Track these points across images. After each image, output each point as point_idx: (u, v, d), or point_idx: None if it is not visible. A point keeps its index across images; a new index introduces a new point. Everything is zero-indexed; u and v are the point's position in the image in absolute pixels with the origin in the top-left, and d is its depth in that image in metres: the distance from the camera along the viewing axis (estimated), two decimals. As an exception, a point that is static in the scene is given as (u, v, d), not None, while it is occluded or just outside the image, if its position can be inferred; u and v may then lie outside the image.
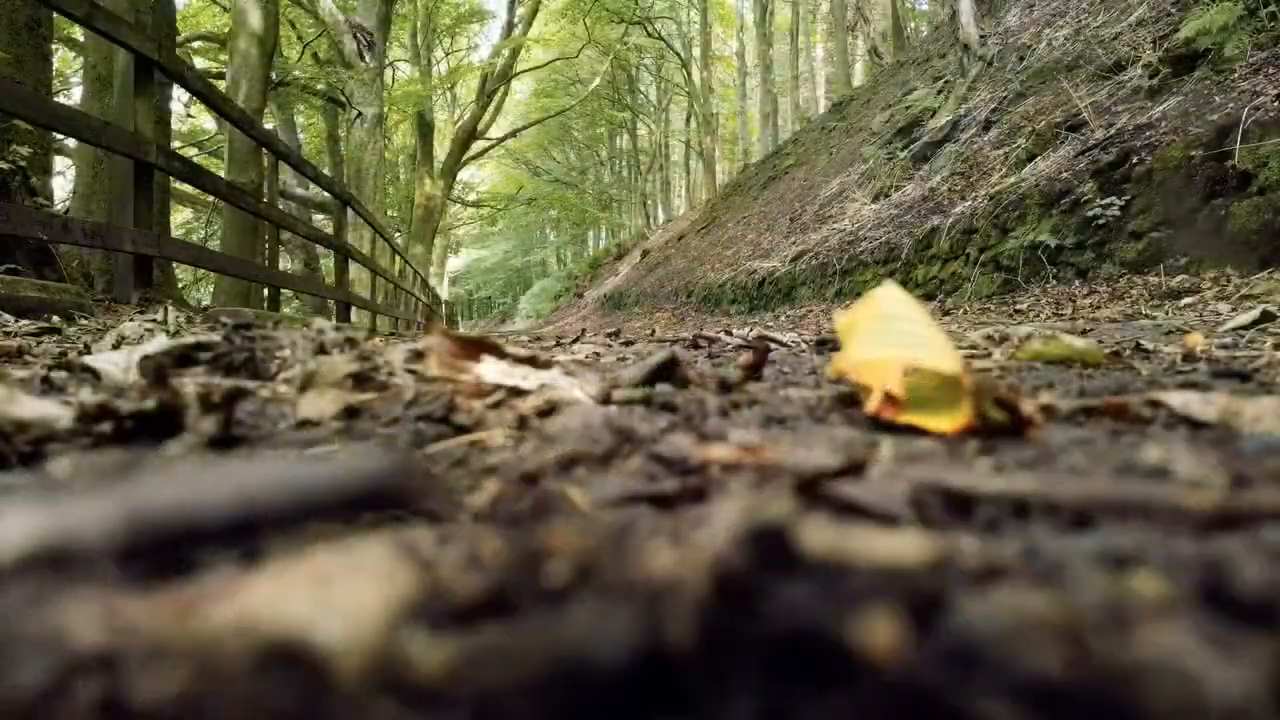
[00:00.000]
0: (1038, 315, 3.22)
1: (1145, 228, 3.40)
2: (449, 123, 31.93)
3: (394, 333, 10.80)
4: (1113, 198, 3.66)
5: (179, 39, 12.83)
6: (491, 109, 25.23)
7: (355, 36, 13.13)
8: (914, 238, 6.07)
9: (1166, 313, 2.19)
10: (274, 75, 12.83)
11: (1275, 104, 2.99)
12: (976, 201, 6.01)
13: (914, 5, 39.26)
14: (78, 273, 4.64)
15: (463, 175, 34.38)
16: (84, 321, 1.78)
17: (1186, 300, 2.56)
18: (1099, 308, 2.92)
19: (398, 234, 31.22)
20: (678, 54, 37.05)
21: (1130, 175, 3.65)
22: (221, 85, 17.05)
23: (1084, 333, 1.86)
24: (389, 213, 25.87)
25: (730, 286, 10.80)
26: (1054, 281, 3.97)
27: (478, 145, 26.67)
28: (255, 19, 9.46)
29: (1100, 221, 3.63)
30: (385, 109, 14.66)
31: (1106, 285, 3.37)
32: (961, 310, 4.04)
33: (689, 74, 37.58)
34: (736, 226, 16.41)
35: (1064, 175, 4.29)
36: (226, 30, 19.37)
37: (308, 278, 5.66)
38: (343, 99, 13.84)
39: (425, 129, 24.78)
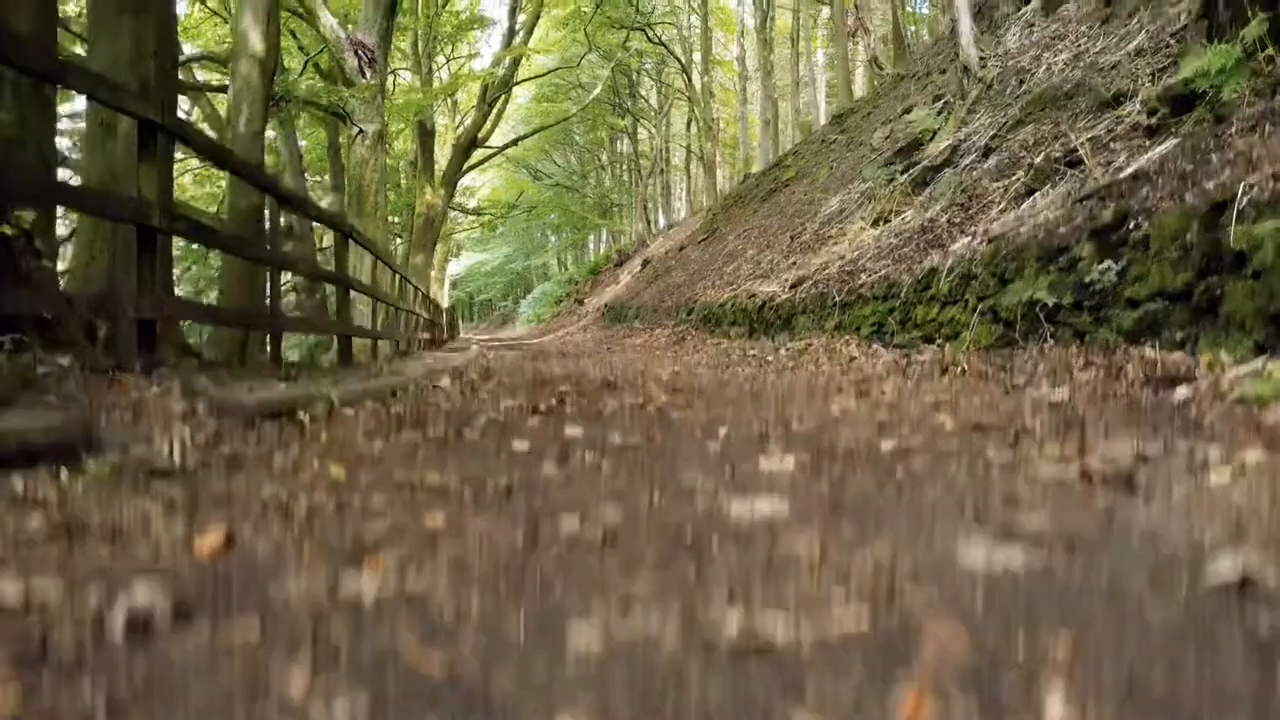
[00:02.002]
0: (1034, 385, 3.24)
1: (1142, 296, 3.42)
2: (449, 128, 31.93)
3: (398, 350, 10.84)
4: (1109, 261, 3.68)
5: (181, 59, 12.86)
6: (492, 117, 25.27)
7: (356, 53, 13.15)
8: (913, 275, 6.09)
9: (1168, 428, 2.20)
10: (275, 90, 12.82)
11: (1270, 183, 3.01)
12: (976, 241, 6.03)
13: (915, 8, 39.29)
14: (83, 324, 4.67)
15: (463, 180, 34.40)
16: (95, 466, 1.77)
17: (1182, 393, 2.59)
18: (1095, 388, 2.95)
19: (398, 239, 31.27)
20: (678, 59, 37.09)
21: (1127, 239, 3.67)
22: (222, 96, 16.97)
23: (1082, 452, 1.89)
24: (391, 218, 25.91)
25: (730, 308, 10.82)
26: (1051, 341, 3.99)
27: (479, 154, 26.69)
28: (256, 42, 9.49)
29: (1098, 286, 3.65)
30: (386, 124, 14.68)
31: (1103, 355, 3.38)
32: (959, 368, 4.06)
33: (689, 79, 37.61)
34: (737, 240, 16.43)
35: (1061, 230, 4.31)
36: (227, 42, 19.38)
37: (309, 319, 5.69)
38: (344, 113, 13.87)
39: (426, 137, 24.81)
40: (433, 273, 29.95)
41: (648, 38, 34.98)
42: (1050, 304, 4.04)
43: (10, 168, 2.80)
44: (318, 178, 27.16)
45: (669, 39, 38.21)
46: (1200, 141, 4.59)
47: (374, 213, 13.51)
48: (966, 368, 4.05)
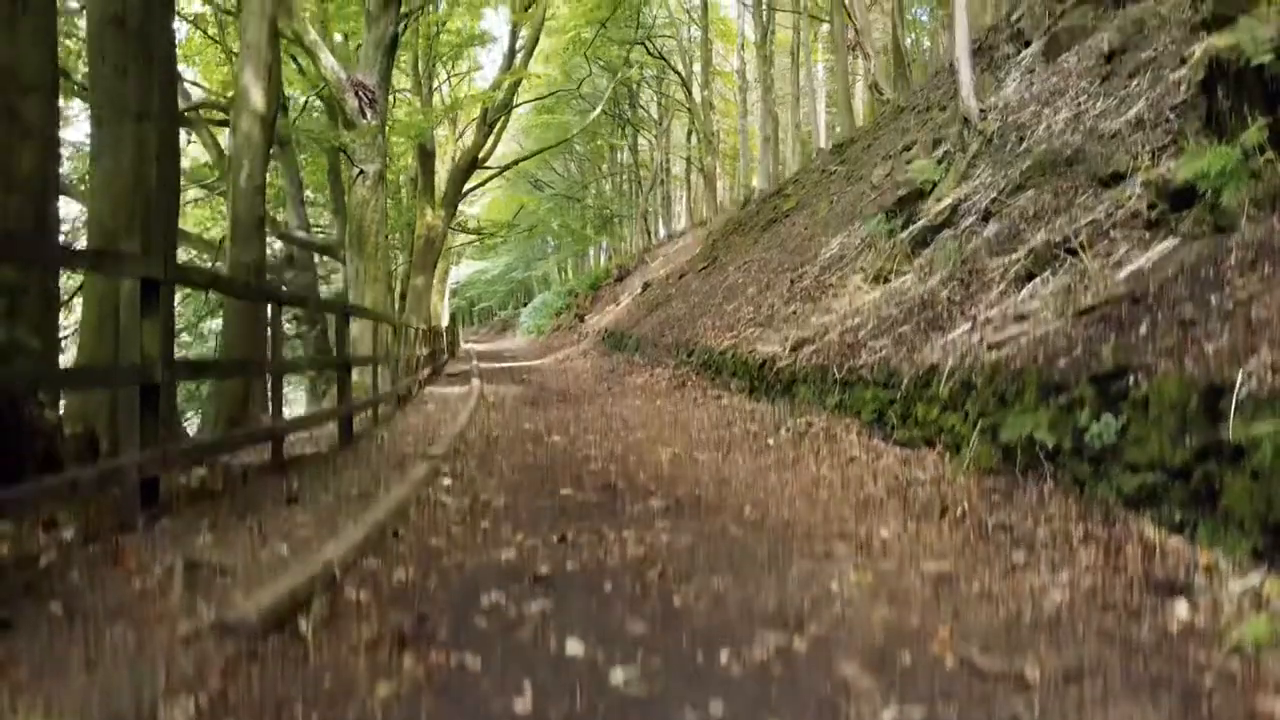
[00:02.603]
0: (1034, 564, 3.25)
1: (1142, 463, 3.42)
2: (450, 138, 31.87)
3: (399, 403, 10.84)
4: (1109, 416, 3.68)
5: (184, 109, 12.85)
6: (492, 138, 25.26)
7: (357, 94, 13.15)
8: (914, 366, 6.09)
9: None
10: (277, 132, 12.79)
11: (1269, 375, 3.01)
12: (975, 334, 6.04)
13: (914, 15, 39.25)
14: (84, 443, 4.66)
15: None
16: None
17: (1181, 614, 2.60)
18: (1095, 582, 2.96)
19: (399, 252, 31.19)
20: (678, 72, 37.07)
21: (1127, 393, 3.67)
22: (223, 130, 16.89)
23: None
24: (391, 236, 25.92)
25: (731, 358, 10.83)
26: (1052, 483, 4.00)
27: (479, 174, 26.67)
28: (258, 98, 9.49)
29: (1098, 444, 3.66)
30: (387, 164, 14.69)
31: (1103, 526, 3.39)
32: (958, 509, 4.07)
33: (689, 91, 37.63)
34: (737, 273, 16.44)
35: (1061, 363, 4.31)
36: (226, 66, 19.33)
37: (308, 416, 5.70)
38: (345, 152, 13.88)
39: (426, 158, 24.82)
40: (434, 284, 29.96)
41: (648, 51, 34.96)
42: (1050, 445, 4.05)
43: (16, 367, 2.81)
44: (319, 194, 27.13)
45: (668, 50, 38.23)
46: (1200, 265, 4.60)
47: (374, 253, 13.52)
48: (967, 509, 4.06)
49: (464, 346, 38.51)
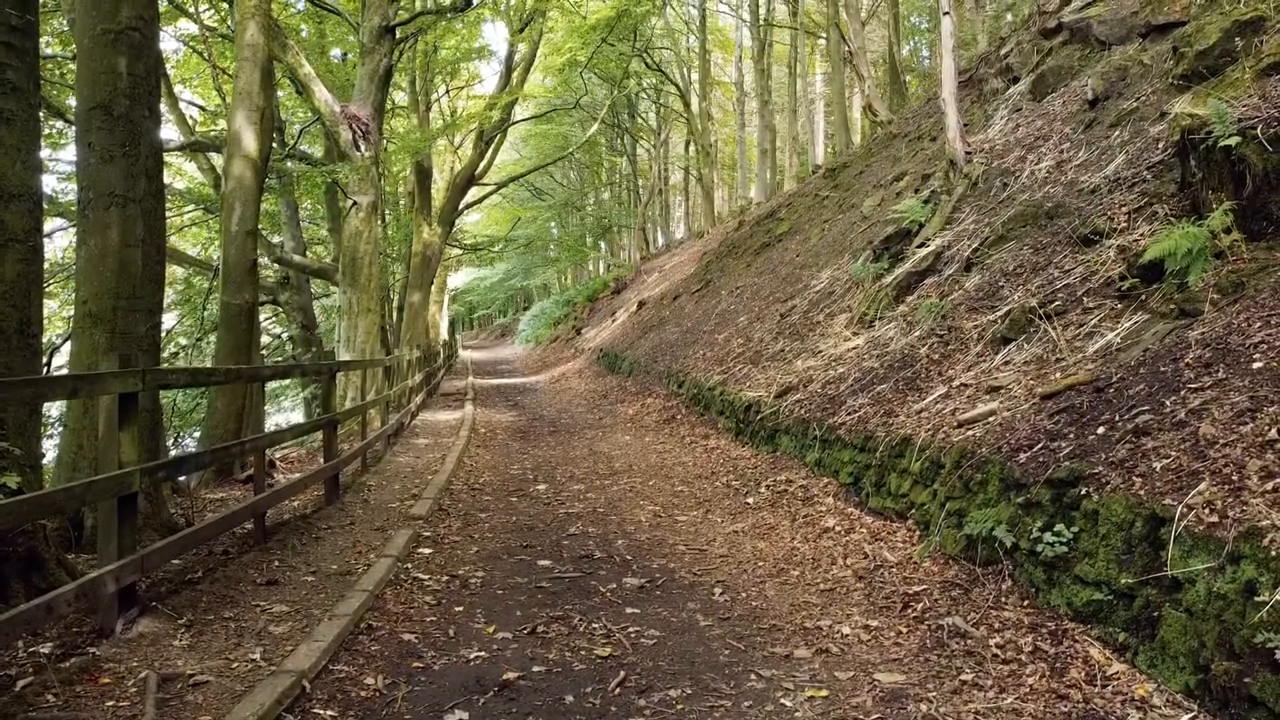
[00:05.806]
0: (980, 686, 3.34)
1: (1090, 578, 3.52)
2: (448, 148, 32.00)
3: (389, 444, 10.95)
4: (1061, 526, 3.77)
5: (177, 147, 12.98)
6: (489, 155, 25.37)
7: (351, 127, 13.25)
8: (889, 434, 6.20)
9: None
10: (271, 163, 12.86)
11: (1205, 513, 3.11)
12: (949, 402, 6.14)
13: (913, 23, 39.21)
14: (60, 544, 4.79)
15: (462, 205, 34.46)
16: None
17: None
18: (1039, 706, 3.05)
19: (397, 267, 31.31)
20: (675, 84, 37.16)
21: (1079, 504, 3.76)
22: (219, 152, 16.89)
23: None
24: (390, 250, 26.03)
25: (719, 396, 10.93)
26: (1010, 582, 4.10)
27: (475, 191, 26.78)
28: (250, 142, 9.60)
29: (1051, 554, 3.75)
30: (382, 195, 14.80)
31: (1052, 640, 3.49)
32: (918, 602, 4.16)
33: (688, 101, 37.74)
34: (730, 298, 16.54)
35: (1022, 458, 4.41)
36: (223, 75, 19.40)
37: (296, 483, 5.81)
38: (339, 185, 13.98)
39: (423, 175, 24.93)
40: (433, 294, 30.06)
41: (645, 64, 35.05)
42: (1008, 544, 4.15)
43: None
44: (318, 206, 27.21)
45: (666, 61, 38.33)
46: (1161, 358, 4.69)
47: (368, 284, 13.63)
48: (928, 605, 4.16)
49: (462, 355, 38.63)
